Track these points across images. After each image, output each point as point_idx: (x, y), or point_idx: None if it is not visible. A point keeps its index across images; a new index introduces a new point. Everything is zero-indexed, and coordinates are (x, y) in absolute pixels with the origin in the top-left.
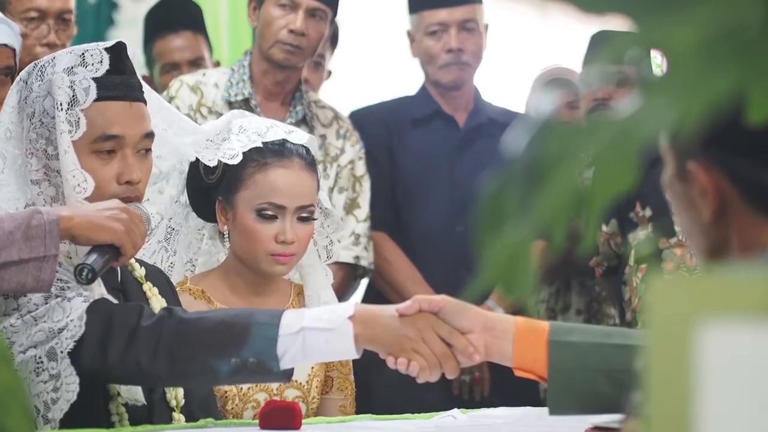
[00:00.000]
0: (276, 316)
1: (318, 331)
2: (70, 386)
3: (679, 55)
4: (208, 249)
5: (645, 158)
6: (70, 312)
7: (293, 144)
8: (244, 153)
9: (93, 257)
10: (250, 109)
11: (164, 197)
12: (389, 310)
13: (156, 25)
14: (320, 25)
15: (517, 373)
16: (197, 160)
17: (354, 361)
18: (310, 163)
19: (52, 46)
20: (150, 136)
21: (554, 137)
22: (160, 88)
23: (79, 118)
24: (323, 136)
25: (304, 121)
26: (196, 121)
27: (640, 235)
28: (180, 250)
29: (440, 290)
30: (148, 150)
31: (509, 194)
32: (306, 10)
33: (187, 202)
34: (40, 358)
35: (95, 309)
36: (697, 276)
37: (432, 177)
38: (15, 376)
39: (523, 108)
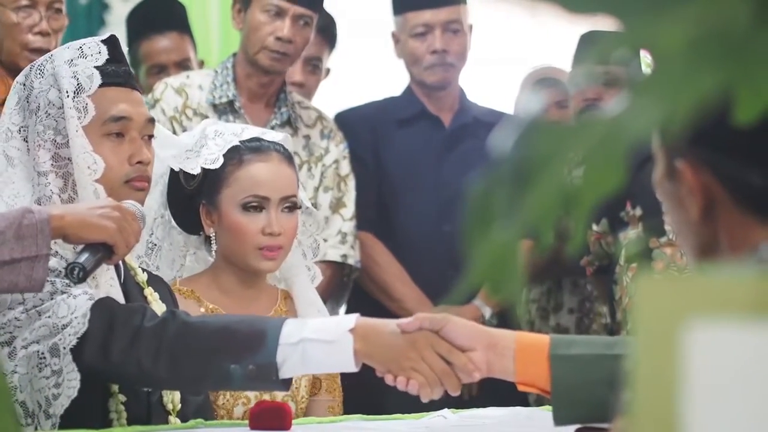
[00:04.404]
0: (278, 325)
1: (318, 342)
2: (72, 383)
3: (666, 54)
4: (191, 266)
5: (635, 158)
6: (75, 309)
7: (269, 141)
8: (222, 155)
9: (84, 256)
10: (235, 112)
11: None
12: (390, 325)
13: (141, 26)
14: (306, 30)
15: (521, 388)
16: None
17: None
18: (288, 157)
19: (44, 35)
20: (152, 121)
21: (542, 137)
22: (146, 90)
23: (86, 104)
24: (307, 137)
25: (289, 123)
26: (182, 123)
27: (631, 235)
28: (163, 266)
29: (428, 290)
30: (151, 137)
31: (497, 194)
32: (292, 17)
33: (169, 218)
34: (42, 353)
35: (99, 307)
36: (684, 276)
37: (418, 177)
38: (1, 376)
39: (511, 108)
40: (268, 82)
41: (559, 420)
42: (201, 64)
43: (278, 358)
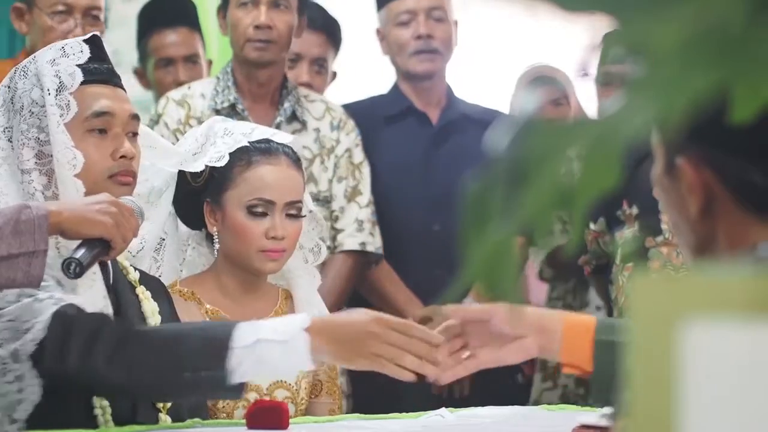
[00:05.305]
0: (229, 329)
1: (274, 343)
2: (33, 389)
3: (662, 53)
4: (192, 260)
5: (632, 156)
6: (38, 314)
7: (278, 143)
8: (230, 154)
9: (81, 251)
10: (237, 114)
11: (160, 215)
12: (345, 317)
13: (151, 20)
14: (285, 15)
15: (565, 370)
16: None
17: None
18: (296, 161)
19: None
20: (137, 118)
21: (538, 136)
22: (154, 83)
23: (69, 101)
24: (317, 130)
25: (294, 117)
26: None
27: (627, 234)
28: (168, 259)
29: (416, 290)
30: (136, 134)
31: (493, 193)
32: (267, 3)
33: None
34: (5, 358)
35: (60, 314)
36: (680, 275)
37: (407, 175)
38: None
39: (502, 105)
40: (267, 80)
41: (596, 401)
42: (209, 63)
43: (233, 363)
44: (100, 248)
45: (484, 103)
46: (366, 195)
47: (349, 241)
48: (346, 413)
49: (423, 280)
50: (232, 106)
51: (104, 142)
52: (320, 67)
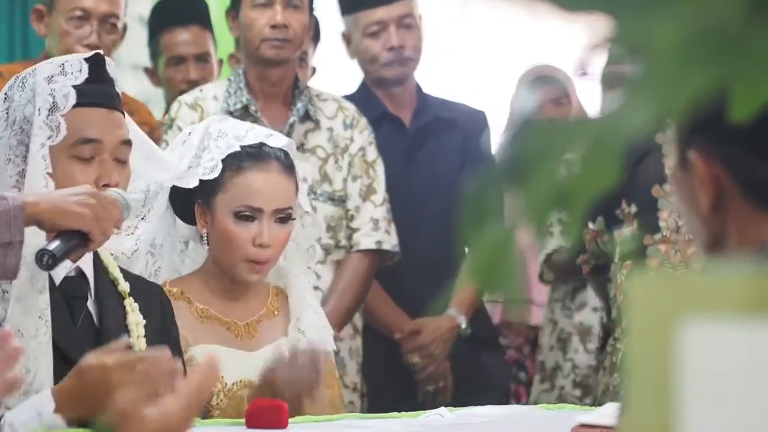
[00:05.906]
0: None
1: None
2: None
3: (660, 52)
4: (193, 254)
5: (631, 155)
6: None
7: (271, 147)
8: (222, 159)
9: (56, 243)
10: (250, 116)
11: (155, 215)
12: (85, 376)
13: (163, 19)
14: (300, 14)
15: None
16: None
17: None
18: (288, 167)
19: (93, 48)
20: (128, 144)
21: (537, 134)
22: (164, 81)
23: (59, 123)
24: (330, 129)
25: (308, 117)
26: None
27: (625, 232)
28: (167, 255)
29: (401, 299)
30: (125, 161)
31: (492, 192)
32: (282, 3)
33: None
34: None
35: None
36: (679, 273)
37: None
38: None
39: (498, 104)
40: (279, 79)
41: None
42: (220, 63)
43: None
44: (77, 241)
45: (455, 98)
46: (381, 193)
47: (365, 240)
48: (361, 411)
49: (407, 290)
50: (245, 108)
51: (90, 168)
52: (301, 60)
